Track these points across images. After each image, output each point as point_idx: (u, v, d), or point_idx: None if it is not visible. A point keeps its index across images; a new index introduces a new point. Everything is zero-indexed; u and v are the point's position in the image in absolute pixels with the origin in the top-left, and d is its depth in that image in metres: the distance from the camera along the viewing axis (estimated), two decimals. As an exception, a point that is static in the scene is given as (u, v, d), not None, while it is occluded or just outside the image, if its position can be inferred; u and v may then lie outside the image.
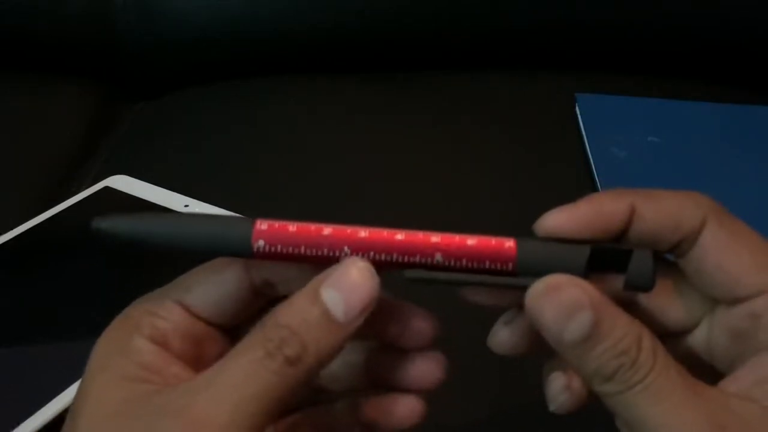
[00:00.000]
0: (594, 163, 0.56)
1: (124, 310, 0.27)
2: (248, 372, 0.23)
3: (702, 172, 0.56)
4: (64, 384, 0.38)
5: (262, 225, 0.26)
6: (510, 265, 0.26)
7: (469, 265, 0.26)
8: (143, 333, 0.26)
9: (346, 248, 0.25)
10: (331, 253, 0.25)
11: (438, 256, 0.26)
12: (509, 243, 0.26)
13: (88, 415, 0.24)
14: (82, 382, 0.25)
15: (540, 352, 0.27)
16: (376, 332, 0.28)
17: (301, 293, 0.24)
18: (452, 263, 0.26)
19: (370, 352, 0.29)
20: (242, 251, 0.26)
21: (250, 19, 0.71)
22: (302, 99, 0.68)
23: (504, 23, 0.71)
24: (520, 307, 0.26)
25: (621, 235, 0.26)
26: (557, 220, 0.26)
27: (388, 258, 0.26)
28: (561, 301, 0.24)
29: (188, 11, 0.71)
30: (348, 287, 0.24)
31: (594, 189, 0.55)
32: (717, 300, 0.26)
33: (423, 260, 0.26)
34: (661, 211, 0.26)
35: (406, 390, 0.28)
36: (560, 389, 0.27)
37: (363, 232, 0.26)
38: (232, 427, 0.23)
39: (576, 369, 0.25)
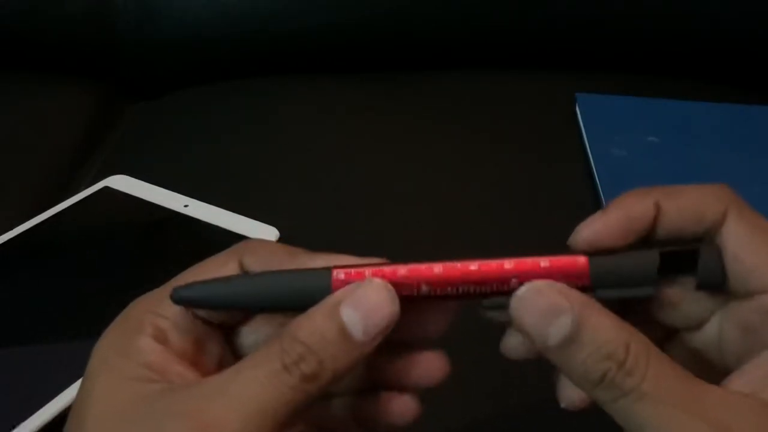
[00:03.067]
0: (594, 163, 0.56)
1: (124, 310, 0.27)
2: (264, 384, 0.23)
3: (702, 172, 0.56)
4: (64, 384, 0.38)
5: (338, 275, 0.26)
6: (586, 281, 0.26)
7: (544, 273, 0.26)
8: (146, 332, 0.26)
9: (423, 287, 0.26)
10: (409, 293, 0.26)
11: (513, 281, 0.26)
12: (581, 260, 0.26)
13: (94, 416, 0.24)
14: (84, 383, 0.25)
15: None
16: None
17: (319, 309, 0.25)
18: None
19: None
20: None
21: (250, 19, 0.71)
22: (302, 99, 0.68)
23: (504, 23, 0.71)
24: None
25: (649, 233, 0.26)
26: (594, 231, 0.26)
27: (465, 290, 0.26)
28: (541, 305, 0.24)
29: (188, 11, 0.71)
30: (367, 307, 0.24)
31: (594, 189, 0.55)
32: (732, 293, 0.26)
33: (499, 288, 0.26)
34: (684, 205, 0.26)
35: (406, 387, 0.28)
36: (571, 386, 0.27)
37: (437, 268, 0.26)
38: None
39: (567, 375, 0.25)
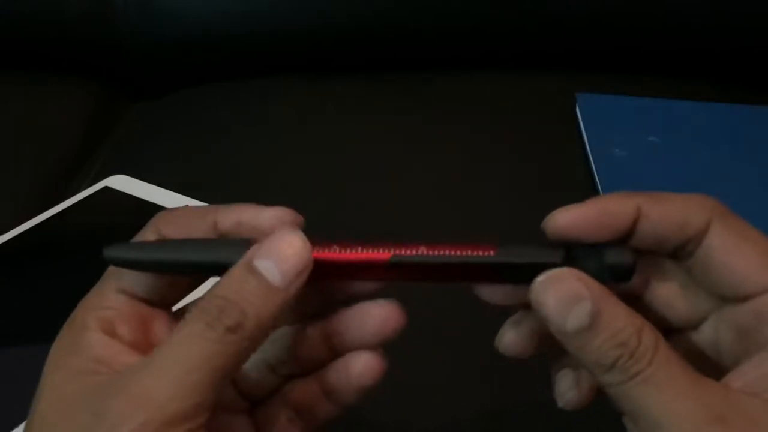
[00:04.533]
0: (594, 163, 0.56)
1: (72, 312, 0.28)
2: (188, 344, 0.24)
3: (702, 172, 0.56)
4: (64, 384, 0.38)
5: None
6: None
7: (453, 252, 0.27)
8: (92, 327, 0.26)
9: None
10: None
11: (422, 248, 0.27)
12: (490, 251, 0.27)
13: (40, 412, 0.25)
14: (38, 386, 0.26)
15: (547, 353, 0.28)
16: (324, 292, 0.29)
17: (236, 266, 0.25)
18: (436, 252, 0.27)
19: (324, 319, 0.29)
20: None
21: (250, 20, 0.71)
22: (302, 99, 0.68)
23: (504, 23, 0.71)
24: (526, 308, 0.27)
25: (628, 236, 0.27)
26: (565, 218, 0.27)
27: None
28: (562, 291, 0.25)
29: (189, 11, 0.71)
30: (280, 253, 0.25)
31: (594, 189, 0.55)
32: (724, 298, 0.27)
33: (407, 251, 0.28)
34: (666, 212, 0.26)
35: (366, 345, 0.28)
36: (569, 386, 0.28)
37: (335, 249, 0.28)
38: (174, 400, 0.23)
39: (578, 360, 0.25)
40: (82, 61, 0.74)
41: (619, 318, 0.25)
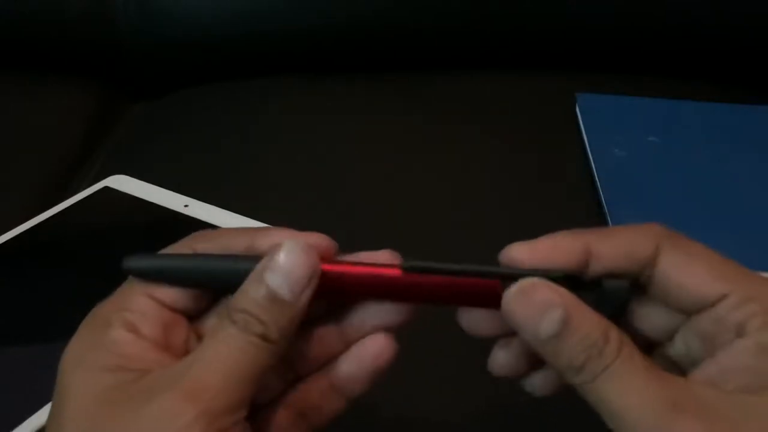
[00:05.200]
0: (594, 162, 0.56)
1: (92, 311, 0.28)
2: (229, 344, 0.26)
3: (702, 172, 0.56)
4: (64, 384, 0.37)
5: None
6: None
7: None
8: (116, 326, 0.27)
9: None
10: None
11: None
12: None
13: (71, 408, 0.25)
14: (58, 384, 0.26)
15: (538, 371, 0.30)
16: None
17: (248, 281, 0.27)
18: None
19: (337, 314, 0.30)
20: None
21: (250, 19, 0.71)
22: (303, 99, 0.68)
23: (504, 23, 0.71)
24: (513, 333, 0.28)
25: (581, 272, 0.28)
26: (519, 251, 0.29)
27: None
28: (534, 300, 0.27)
29: (188, 11, 0.71)
30: (287, 268, 0.27)
31: (594, 189, 0.55)
32: (686, 312, 0.28)
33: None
34: (614, 246, 0.28)
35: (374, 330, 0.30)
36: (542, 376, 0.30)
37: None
38: (226, 390, 0.25)
39: (551, 364, 0.27)
40: (82, 61, 0.74)
41: (588, 321, 0.26)
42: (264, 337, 0.26)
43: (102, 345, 0.26)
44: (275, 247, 0.27)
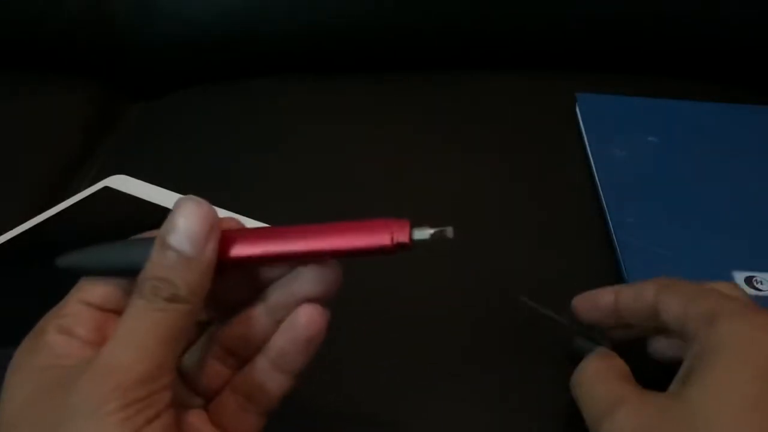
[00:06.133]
0: (594, 163, 0.56)
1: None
2: (136, 317, 0.27)
3: (702, 172, 0.56)
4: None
5: None
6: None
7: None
8: (49, 331, 0.28)
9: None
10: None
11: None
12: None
13: (7, 409, 0.26)
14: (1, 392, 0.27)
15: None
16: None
17: (153, 248, 0.28)
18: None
19: (267, 295, 0.31)
20: None
21: (250, 19, 0.71)
22: (303, 99, 0.68)
23: (504, 23, 0.71)
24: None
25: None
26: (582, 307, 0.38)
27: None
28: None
29: (188, 11, 0.71)
30: (183, 224, 0.27)
31: (594, 189, 0.55)
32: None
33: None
34: (629, 291, 0.37)
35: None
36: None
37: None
38: (137, 362, 0.26)
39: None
40: (82, 61, 0.74)
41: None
42: (174, 298, 0.27)
43: (37, 349, 0.28)
44: (172, 211, 0.28)
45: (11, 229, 0.49)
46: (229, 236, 0.29)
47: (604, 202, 0.53)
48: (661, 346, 0.36)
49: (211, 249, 0.28)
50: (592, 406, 0.33)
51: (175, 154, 0.61)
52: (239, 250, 0.28)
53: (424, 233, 0.28)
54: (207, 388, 0.31)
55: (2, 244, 0.48)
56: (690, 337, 0.32)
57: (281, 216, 0.51)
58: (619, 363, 0.35)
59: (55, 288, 0.45)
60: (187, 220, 0.28)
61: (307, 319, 0.30)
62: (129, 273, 0.29)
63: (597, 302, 0.37)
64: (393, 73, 0.70)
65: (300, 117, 0.65)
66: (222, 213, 0.49)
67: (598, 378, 0.34)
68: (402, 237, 0.28)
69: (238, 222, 0.31)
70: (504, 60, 0.72)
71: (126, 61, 0.74)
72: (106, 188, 0.53)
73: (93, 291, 0.30)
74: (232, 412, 0.31)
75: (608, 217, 0.51)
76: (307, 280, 0.30)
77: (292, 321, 0.30)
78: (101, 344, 0.28)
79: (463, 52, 0.73)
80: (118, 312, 0.30)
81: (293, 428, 0.35)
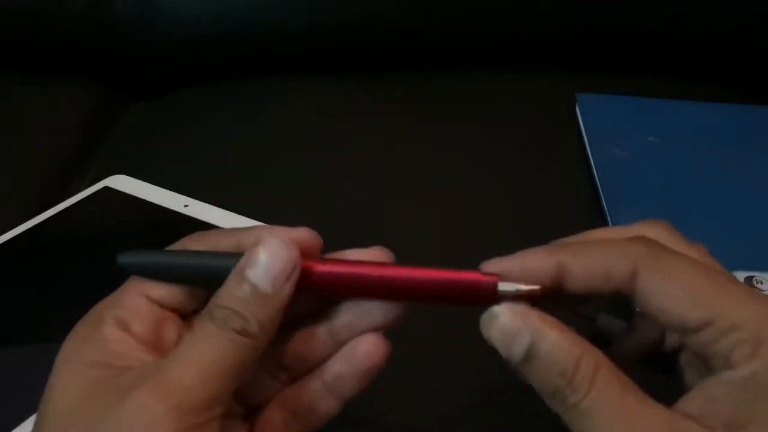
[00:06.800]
0: (594, 162, 0.56)
1: (88, 312, 0.29)
2: (207, 341, 0.26)
3: (702, 172, 0.56)
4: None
5: None
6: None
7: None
8: (107, 323, 0.28)
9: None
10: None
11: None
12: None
13: (56, 402, 0.26)
14: (50, 376, 0.27)
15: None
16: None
17: (231, 277, 0.27)
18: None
19: (329, 314, 0.30)
20: None
21: (250, 19, 0.71)
22: (303, 99, 0.68)
23: (504, 23, 0.71)
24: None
25: (556, 289, 0.28)
26: (492, 268, 0.29)
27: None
28: (502, 326, 0.27)
29: (188, 11, 0.71)
30: (266, 262, 0.27)
31: (594, 189, 0.55)
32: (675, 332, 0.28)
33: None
34: (588, 266, 0.28)
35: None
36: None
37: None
38: (200, 386, 0.25)
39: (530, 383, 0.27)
40: (82, 61, 0.74)
41: (557, 348, 0.26)
42: (243, 333, 0.26)
43: (91, 341, 0.27)
44: (256, 244, 0.27)
45: (11, 229, 0.49)
46: (310, 267, 0.28)
47: (604, 202, 0.53)
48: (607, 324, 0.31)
49: (287, 290, 0.27)
50: None
51: (175, 154, 0.61)
52: (319, 283, 0.28)
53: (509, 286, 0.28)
54: (253, 399, 0.31)
55: (2, 244, 0.48)
56: (711, 352, 0.26)
57: (281, 215, 0.51)
58: None
59: (55, 288, 0.45)
60: (271, 258, 0.27)
61: (369, 349, 0.29)
62: (195, 283, 0.29)
63: (527, 262, 0.28)
64: (393, 73, 0.70)
65: (299, 117, 0.65)
66: (223, 213, 0.50)
67: None
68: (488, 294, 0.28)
69: (317, 238, 0.30)
70: (504, 60, 0.72)
71: (126, 61, 0.74)
72: (106, 188, 0.53)
73: (156, 285, 0.29)
74: (275, 427, 0.30)
75: (608, 217, 0.51)
76: (375, 311, 0.29)
77: (353, 349, 0.29)
78: (156, 346, 0.28)
79: (463, 52, 0.73)
80: (177, 311, 0.29)
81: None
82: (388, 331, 0.30)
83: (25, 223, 0.50)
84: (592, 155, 0.57)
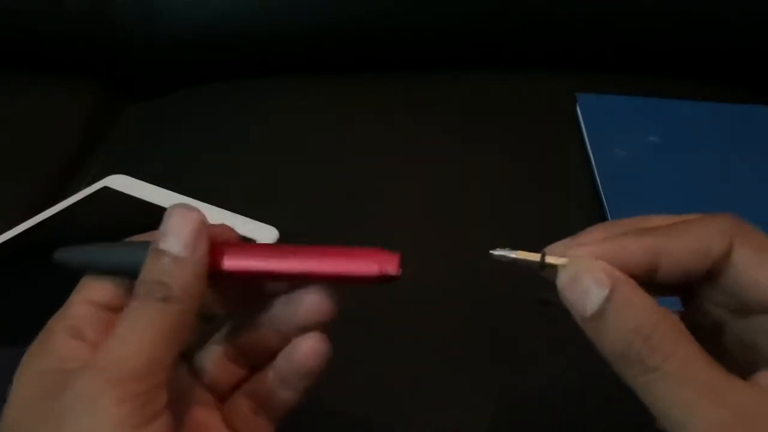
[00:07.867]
0: (594, 162, 0.56)
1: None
2: (132, 317, 0.27)
3: (702, 172, 0.56)
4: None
5: None
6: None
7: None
8: (57, 333, 0.29)
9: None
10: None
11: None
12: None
13: (11, 408, 0.27)
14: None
15: None
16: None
17: (148, 256, 0.28)
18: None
19: (270, 307, 0.31)
20: None
21: (250, 19, 0.71)
22: (302, 99, 0.68)
23: (504, 23, 0.71)
24: None
25: (650, 274, 0.27)
26: (586, 254, 0.27)
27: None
28: (581, 279, 0.26)
29: (188, 11, 0.71)
30: (174, 227, 0.28)
31: (594, 188, 0.55)
32: (756, 311, 0.27)
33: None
34: (687, 245, 0.27)
35: (305, 330, 0.30)
36: None
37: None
38: (133, 357, 0.26)
39: (599, 349, 0.26)
40: (81, 61, 0.74)
41: (634, 306, 0.25)
42: (167, 299, 0.27)
43: (42, 354, 0.28)
44: (164, 218, 0.29)
45: (11, 229, 0.49)
46: (222, 249, 0.29)
47: (604, 202, 0.53)
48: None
49: (200, 249, 0.28)
50: None
51: (175, 154, 0.61)
52: (230, 262, 0.29)
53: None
54: (221, 385, 0.32)
55: (2, 244, 0.48)
56: None
57: (281, 215, 0.51)
58: None
59: (55, 288, 0.45)
60: (176, 223, 0.28)
61: (306, 351, 0.30)
62: (128, 274, 0.29)
63: (623, 249, 0.27)
64: (393, 73, 0.70)
65: (300, 117, 0.65)
66: (222, 213, 0.50)
67: None
68: (391, 269, 0.29)
69: (234, 231, 0.31)
70: (504, 60, 0.72)
71: (126, 61, 0.74)
72: (106, 188, 0.53)
73: (98, 290, 0.30)
74: (244, 414, 0.31)
75: (608, 217, 0.51)
76: (305, 307, 0.30)
77: (294, 349, 0.30)
78: None
79: (463, 52, 0.73)
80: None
81: (291, 428, 0.35)
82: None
83: (25, 222, 0.50)
84: (592, 155, 0.57)
